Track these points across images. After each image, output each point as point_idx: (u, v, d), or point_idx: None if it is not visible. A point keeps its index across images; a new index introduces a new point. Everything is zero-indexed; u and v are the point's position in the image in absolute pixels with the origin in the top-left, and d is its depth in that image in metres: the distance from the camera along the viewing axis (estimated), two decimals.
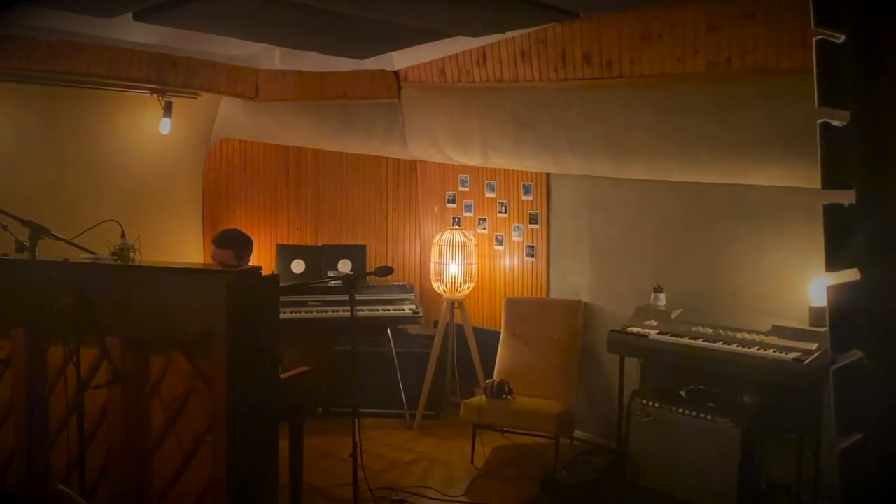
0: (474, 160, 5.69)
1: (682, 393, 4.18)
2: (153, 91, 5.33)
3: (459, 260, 5.58)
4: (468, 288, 5.63)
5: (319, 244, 6.17)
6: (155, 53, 4.91)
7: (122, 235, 3.48)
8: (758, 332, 4.06)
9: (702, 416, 4.01)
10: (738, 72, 3.80)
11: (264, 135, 6.17)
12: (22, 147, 4.99)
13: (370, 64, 5.31)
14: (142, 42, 4.76)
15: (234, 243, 4.02)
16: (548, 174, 5.38)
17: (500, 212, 5.71)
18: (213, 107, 5.98)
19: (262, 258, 6.21)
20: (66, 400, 3.16)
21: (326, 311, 5.61)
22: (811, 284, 4.04)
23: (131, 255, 3.42)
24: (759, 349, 3.90)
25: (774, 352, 3.85)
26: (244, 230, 6.10)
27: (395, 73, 5.51)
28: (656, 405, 4.18)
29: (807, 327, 4.00)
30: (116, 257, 3.38)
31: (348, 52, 5.00)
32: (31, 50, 4.46)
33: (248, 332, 3.18)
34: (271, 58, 5.32)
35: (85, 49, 4.62)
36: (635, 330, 4.37)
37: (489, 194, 5.79)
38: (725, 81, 3.95)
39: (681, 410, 4.09)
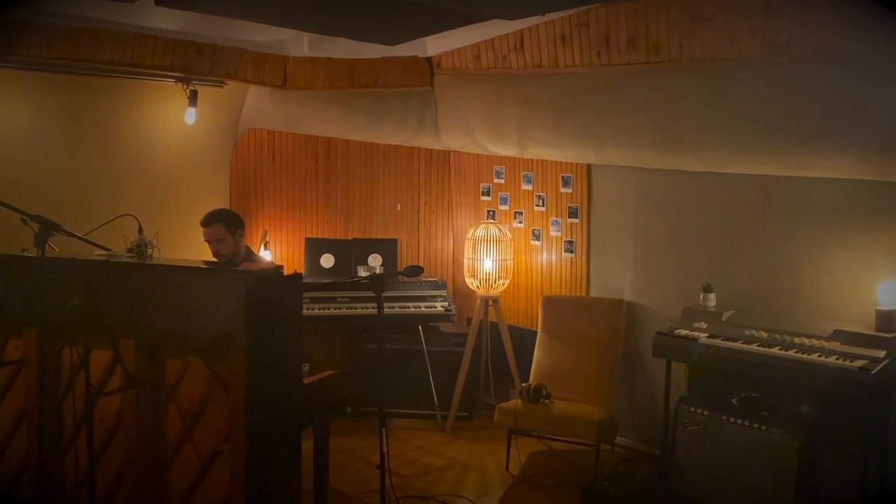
0: (510, 150, 5.43)
1: (734, 401, 3.89)
2: (178, 79, 5.17)
3: (494, 255, 5.33)
4: (503, 285, 5.38)
5: (349, 238, 5.97)
6: (179, 40, 4.73)
7: (140, 231, 3.30)
8: (818, 337, 3.75)
9: (755, 425, 3.73)
10: (799, 54, 3.49)
11: (293, 125, 5.97)
12: (42, 138, 4.85)
13: (402, 50, 5.08)
14: (166, 28, 4.59)
15: (220, 217, 4.02)
16: (588, 165, 5.10)
17: (538, 205, 5.45)
18: (240, 95, 5.80)
19: (290, 252, 6.04)
20: (80, 405, 2.99)
21: (356, 308, 5.40)
22: (878, 286, 3.72)
23: (149, 251, 3.23)
24: (820, 356, 3.60)
25: (838, 359, 3.54)
26: (273, 223, 5.99)
27: (428, 59, 5.27)
28: (705, 413, 3.90)
29: (872, 332, 3.68)
30: (132, 254, 3.19)
31: (379, 37, 4.78)
32: (51, 37, 4.31)
33: (269, 334, 2.98)
34: (300, 44, 5.12)
35: (107, 36, 4.46)
36: (683, 332, 4.08)
37: (526, 186, 5.52)
38: (784, 65, 3.64)
39: (732, 419, 3.81)
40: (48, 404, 3.22)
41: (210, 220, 3.99)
